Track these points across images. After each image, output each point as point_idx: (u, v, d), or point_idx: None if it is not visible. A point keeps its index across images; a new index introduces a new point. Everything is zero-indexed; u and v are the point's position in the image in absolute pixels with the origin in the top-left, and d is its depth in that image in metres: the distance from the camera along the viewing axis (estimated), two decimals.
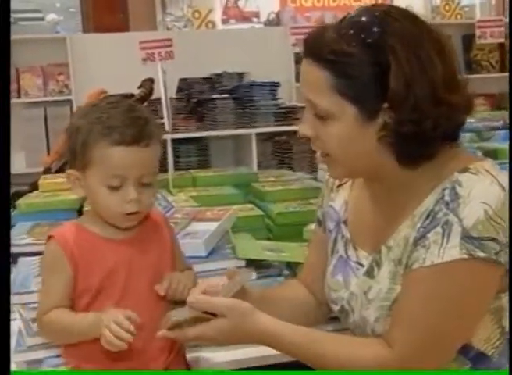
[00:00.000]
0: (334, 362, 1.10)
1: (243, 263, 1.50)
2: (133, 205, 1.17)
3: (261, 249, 1.58)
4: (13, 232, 1.89)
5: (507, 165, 1.32)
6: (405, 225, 1.11)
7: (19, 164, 4.81)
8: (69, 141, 1.20)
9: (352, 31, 1.06)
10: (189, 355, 1.30)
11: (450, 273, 1.04)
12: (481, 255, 1.02)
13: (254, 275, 1.49)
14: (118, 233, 1.21)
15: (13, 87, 4.78)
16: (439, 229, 1.05)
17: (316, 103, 1.09)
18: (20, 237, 1.82)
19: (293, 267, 1.56)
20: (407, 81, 1.04)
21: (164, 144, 3.57)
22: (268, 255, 1.53)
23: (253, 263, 1.52)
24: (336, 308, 1.25)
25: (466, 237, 1.02)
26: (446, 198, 1.06)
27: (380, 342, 1.10)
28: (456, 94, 1.07)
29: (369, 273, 1.16)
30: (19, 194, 2.73)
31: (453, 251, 1.03)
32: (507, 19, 4.24)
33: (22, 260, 1.62)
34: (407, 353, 1.06)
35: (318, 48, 1.07)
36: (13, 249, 1.73)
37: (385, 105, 1.06)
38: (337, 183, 1.30)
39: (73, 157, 1.19)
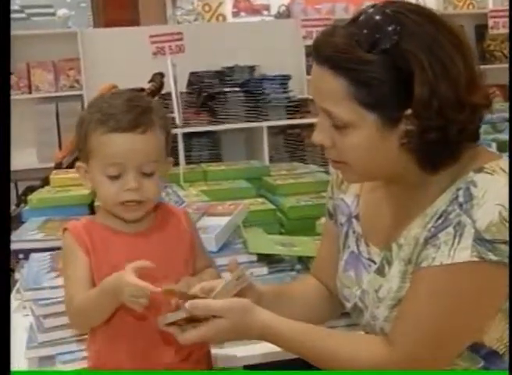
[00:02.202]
0: (333, 359, 1.09)
1: (254, 258, 1.49)
2: (131, 194, 1.15)
3: (273, 243, 1.56)
4: (25, 227, 1.89)
5: None
6: (416, 224, 1.09)
7: (30, 159, 4.83)
8: (76, 134, 1.20)
9: (367, 36, 1.01)
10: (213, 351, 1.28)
11: (459, 274, 1.02)
12: (494, 258, 0.99)
13: (265, 270, 1.47)
14: (130, 227, 1.19)
15: (24, 82, 4.79)
16: (450, 229, 1.02)
17: (333, 113, 1.05)
18: (32, 232, 1.81)
19: (305, 261, 1.55)
20: (431, 87, 1.00)
21: (175, 138, 3.58)
22: (280, 250, 1.52)
23: (265, 258, 1.51)
24: (348, 305, 1.23)
25: (478, 239, 1.00)
26: (460, 198, 1.03)
27: (381, 340, 1.08)
28: (477, 93, 1.04)
29: (380, 271, 1.14)
30: (32, 189, 2.74)
31: (463, 252, 1.01)
32: None
33: (33, 256, 1.62)
34: (407, 353, 1.04)
35: (332, 54, 1.03)
36: (25, 245, 1.74)
37: (408, 111, 1.02)
38: None
39: (79, 149, 1.20)
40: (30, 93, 4.80)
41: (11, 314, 1.62)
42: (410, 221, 1.10)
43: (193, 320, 1.10)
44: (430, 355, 1.04)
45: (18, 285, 1.66)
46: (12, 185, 4.76)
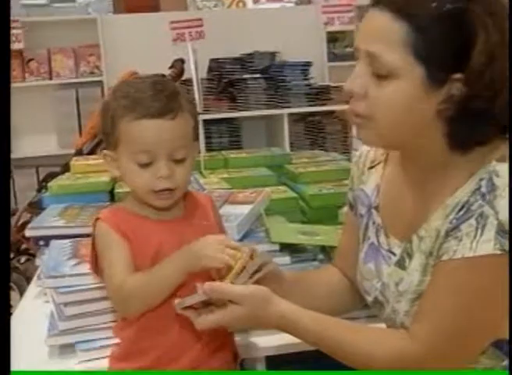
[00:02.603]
0: (352, 353, 1.07)
1: (276, 247, 1.46)
2: (164, 182, 1.12)
3: (295, 233, 1.54)
4: (45, 214, 1.88)
5: None
6: (437, 215, 1.05)
7: (50, 146, 4.84)
8: (101, 121, 1.17)
9: None
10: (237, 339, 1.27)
11: (481, 267, 0.98)
12: None
13: (287, 259, 1.45)
14: (161, 215, 1.17)
15: (45, 68, 4.79)
16: (472, 221, 0.99)
17: (381, 57, 1.00)
18: (52, 219, 1.80)
19: (328, 251, 1.52)
20: (490, 54, 0.96)
21: None
22: (303, 239, 1.50)
23: (287, 247, 1.48)
24: (369, 298, 1.20)
25: (501, 231, 0.96)
26: (483, 189, 1.00)
27: (402, 334, 1.06)
28: None
29: (400, 264, 1.11)
30: (53, 175, 2.74)
31: (486, 245, 0.97)
32: None
33: (54, 243, 1.60)
34: (428, 348, 1.01)
35: None
36: (45, 232, 1.73)
37: (458, 75, 0.98)
38: (368, 164, 1.24)
39: (105, 136, 1.17)
40: (51, 79, 4.80)
41: (32, 300, 1.63)
42: (431, 212, 1.07)
43: (210, 304, 1.08)
44: (452, 350, 1.01)
45: (39, 271, 1.66)
46: (34, 171, 4.79)
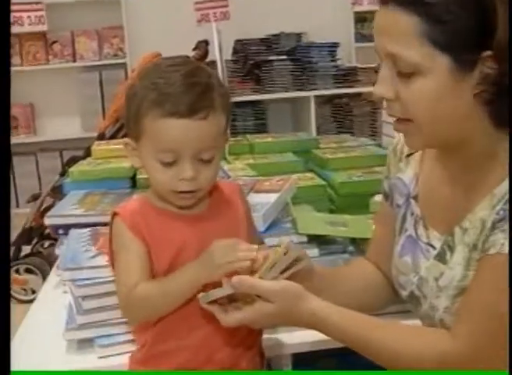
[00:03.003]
0: (394, 358, 1.00)
1: (304, 239, 1.39)
2: (187, 184, 1.04)
3: (324, 223, 1.46)
4: (65, 202, 1.83)
5: None
6: (483, 205, 0.98)
7: (74, 128, 4.82)
8: (125, 107, 1.08)
9: None
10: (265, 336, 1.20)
11: None
12: None
13: (316, 252, 1.38)
14: (186, 210, 1.09)
15: (68, 51, 4.76)
16: None
17: (400, 56, 0.94)
18: (72, 207, 1.75)
19: (358, 243, 1.45)
20: None
21: None
22: (332, 230, 1.42)
23: (315, 239, 1.41)
24: (404, 293, 1.13)
25: None
26: None
27: (443, 334, 0.99)
28: None
29: (441, 257, 1.04)
30: (75, 160, 2.69)
31: None
32: None
33: (72, 232, 1.55)
34: (471, 347, 0.95)
35: None
36: (64, 220, 1.68)
37: (486, 53, 0.91)
38: (406, 151, 1.17)
39: (128, 124, 1.08)
40: (74, 61, 4.77)
41: (51, 290, 1.59)
42: (477, 202, 0.99)
43: (236, 300, 1.02)
44: (496, 350, 0.94)
45: (58, 261, 1.61)
46: (58, 154, 4.78)
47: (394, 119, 1.02)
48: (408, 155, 1.16)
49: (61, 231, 1.68)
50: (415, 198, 1.12)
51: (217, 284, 1.01)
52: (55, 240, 1.88)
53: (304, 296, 1.02)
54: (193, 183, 1.04)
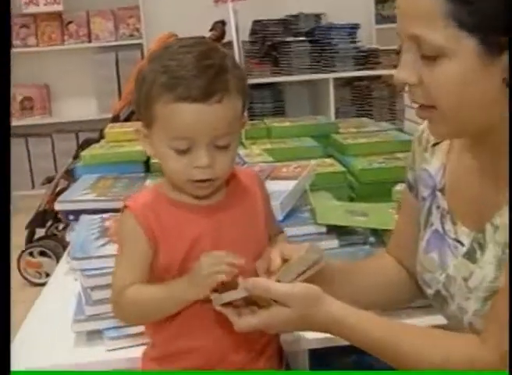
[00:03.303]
0: (422, 368, 0.94)
1: (323, 229, 1.33)
2: (203, 172, 0.98)
3: (344, 212, 1.40)
4: (76, 186, 1.78)
5: None
6: None
7: (90, 110, 4.78)
8: (135, 92, 1.01)
9: None
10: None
11: None
12: None
13: (335, 243, 1.31)
14: (202, 201, 1.03)
15: (84, 31, 4.71)
16: None
17: (424, 38, 0.87)
18: (83, 191, 1.70)
19: (379, 233, 1.38)
20: None
21: None
22: (353, 221, 1.36)
23: (334, 229, 1.34)
24: (429, 291, 1.06)
25: None
26: None
27: (472, 340, 0.93)
28: None
29: (471, 256, 0.97)
30: (89, 142, 2.65)
31: None
32: None
33: (83, 218, 1.50)
34: (500, 354, 0.88)
35: None
36: (75, 205, 1.63)
37: None
38: (432, 140, 1.10)
39: (138, 110, 1.01)
40: (90, 42, 4.71)
41: (62, 277, 1.54)
42: (507, 196, 0.92)
43: (251, 302, 0.96)
44: None
45: (69, 248, 1.57)
46: (73, 136, 4.74)
47: (417, 105, 0.95)
48: (434, 145, 1.09)
49: (71, 217, 1.63)
50: (442, 190, 1.05)
51: (231, 286, 0.96)
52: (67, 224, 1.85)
53: (322, 299, 0.96)
54: (209, 171, 0.98)
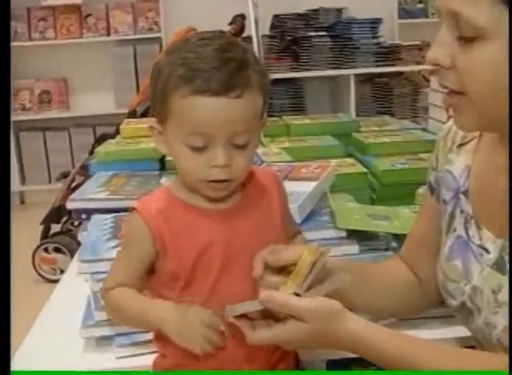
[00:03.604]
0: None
1: (343, 234, 1.27)
2: (220, 172, 0.92)
3: (365, 216, 1.34)
4: (89, 184, 1.73)
5: None
6: None
7: (108, 104, 4.75)
8: (150, 86, 0.96)
9: None
10: None
11: None
12: None
13: (356, 248, 1.25)
14: (214, 204, 0.97)
15: (103, 24, 4.67)
16: None
17: (464, 15, 0.80)
18: (96, 190, 1.65)
19: (402, 239, 1.31)
20: None
21: None
22: (375, 226, 1.29)
23: (355, 233, 1.28)
24: (453, 302, 1.00)
25: None
26: None
27: (500, 358, 0.86)
28: None
29: (499, 266, 0.91)
30: (105, 137, 2.60)
31: None
32: None
33: (95, 218, 1.46)
34: None
35: None
36: (87, 204, 1.58)
37: None
38: (458, 141, 1.03)
39: (153, 106, 0.96)
40: (109, 35, 4.67)
41: (73, 278, 1.50)
42: None
43: (267, 314, 0.90)
44: None
45: (80, 249, 1.52)
46: (91, 130, 4.71)
47: (445, 91, 0.88)
48: (460, 145, 1.03)
49: (84, 216, 1.58)
50: (465, 193, 0.99)
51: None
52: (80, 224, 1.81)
53: (343, 316, 0.90)
54: (226, 170, 0.92)
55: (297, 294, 0.89)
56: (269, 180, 1.04)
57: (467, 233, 0.97)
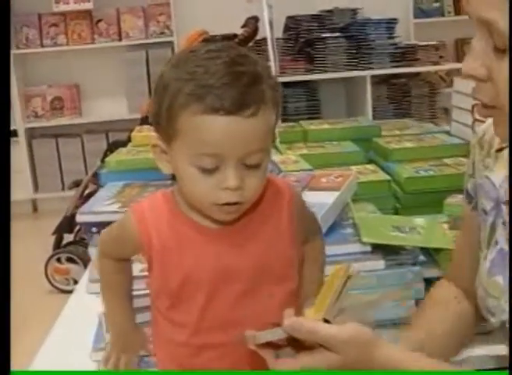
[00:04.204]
0: None
1: (367, 248, 1.19)
2: (231, 195, 0.85)
3: (390, 228, 1.26)
4: (101, 194, 1.67)
5: None
6: None
7: (121, 109, 4.70)
8: (154, 101, 0.88)
9: None
10: None
11: None
12: None
13: (382, 264, 1.17)
14: (217, 222, 0.90)
15: (114, 29, 4.62)
16: None
17: (499, 24, 0.73)
18: (107, 202, 1.58)
19: (430, 252, 1.24)
20: None
21: None
22: (402, 239, 1.21)
23: (379, 247, 1.20)
24: (493, 320, 0.93)
25: None
26: None
27: None
28: None
29: None
30: (117, 145, 2.54)
31: None
32: None
33: None
34: None
35: None
36: (98, 217, 1.51)
37: None
38: (496, 145, 0.95)
39: (157, 122, 0.87)
40: (120, 40, 4.63)
41: (83, 293, 1.44)
42: None
43: (292, 341, 0.82)
44: None
45: (91, 263, 1.46)
46: (103, 136, 4.66)
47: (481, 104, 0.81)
48: (499, 150, 0.95)
49: (94, 229, 1.51)
50: (508, 203, 0.92)
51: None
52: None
53: (376, 344, 0.83)
54: (238, 193, 0.85)
55: (326, 321, 0.81)
56: (282, 194, 0.96)
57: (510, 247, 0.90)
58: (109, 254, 1.00)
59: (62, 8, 4.52)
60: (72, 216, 3.13)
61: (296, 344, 0.82)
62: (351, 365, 0.81)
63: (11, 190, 4.35)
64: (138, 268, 1.09)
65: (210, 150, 0.83)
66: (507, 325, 0.89)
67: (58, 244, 3.26)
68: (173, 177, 1.75)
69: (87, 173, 4.02)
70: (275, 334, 0.81)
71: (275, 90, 0.87)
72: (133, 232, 0.91)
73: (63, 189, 4.57)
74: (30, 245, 3.86)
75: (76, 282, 3.08)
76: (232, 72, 0.82)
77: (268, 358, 0.83)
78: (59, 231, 3.25)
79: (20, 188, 4.54)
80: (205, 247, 0.89)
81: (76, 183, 3.32)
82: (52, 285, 3.18)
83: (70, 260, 3.18)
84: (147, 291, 1.03)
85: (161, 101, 0.85)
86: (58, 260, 3.18)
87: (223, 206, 0.86)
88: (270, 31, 2.54)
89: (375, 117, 3.69)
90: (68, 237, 3.35)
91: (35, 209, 4.77)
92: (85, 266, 2.98)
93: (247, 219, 0.91)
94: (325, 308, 0.81)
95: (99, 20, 4.62)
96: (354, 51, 3.86)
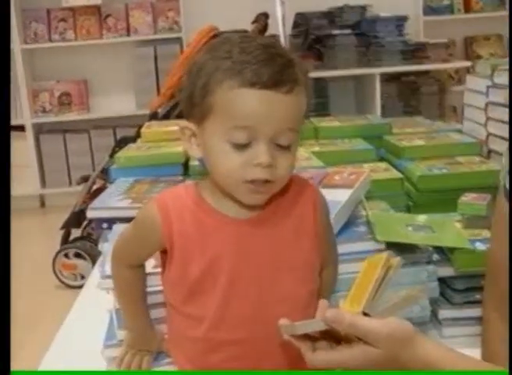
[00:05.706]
0: None
1: (381, 246, 1.17)
2: (262, 171, 0.85)
3: (405, 227, 1.25)
4: (111, 190, 1.66)
5: None
6: None
7: (129, 105, 4.69)
8: (187, 84, 0.90)
9: None
10: None
11: None
12: None
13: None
14: (246, 211, 0.91)
15: (122, 25, 4.61)
16: None
17: None
18: (118, 197, 1.58)
19: (444, 250, 1.22)
20: None
21: None
22: (417, 238, 1.20)
23: (393, 245, 1.19)
24: None
25: None
26: None
27: None
28: None
29: None
30: (126, 141, 2.53)
31: None
32: None
33: (116, 228, 1.38)
34: None
35: None
36: (107, 213, 1.51)
37: None
38: None
39: (190, 104, 0.89)
40: (129, 36, 4.61)
41: (94, 289, 1.43)
42: None
43: (330, 334, 0.81)
44: None
45: (101, 258, 1.45)
46: (111, 132, 4.65)
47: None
48: None
49: (105, 225, 1.51)
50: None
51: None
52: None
53: (416, 339, 0.81)
54: (270, 170, 0.85)
55: (365, 314, 0.80)
56: (306, 190, 0.97)
57: None
58: (125, 259, 1.00)
59: (71, 3, 4.51)
60: (80, 211, 3.12)
61: (329, 337, 0.81)
62: (391, 360, 0.80)
63: (18, 185, 4.36)
64: (151, 264, 1.09)
65: (244, 122, 0.84)
66: None
67: (65, 240, 3.25)
68: (185, 172, 1.76)
69: (94, 168, 4.01)
70: (315, 325, 0.79)
71: (307, 75, 0.90)
72: (156, 220, 0.91)
73: (70, 184, 4.56)
74: (38, 241, 3.86)
75: (83, 277, 3.07)
76: (268, 52, 0.85)
77: (305, 350, 0.82)
78: (67, 226, 3.24)
79: (28, 183, 4.53)
80: (228, 237, 0.90)
81: (85, 179, 3.31)
82: (60, 280, 3.17)
83: (78, 255, 3.17)
84: (161, 288, 1.03)
85: (196, 81, 0.87)
86: (66, 255, 3.18)
87: (252, 185, 0.86)
88: (283, 27, 2.53)
89: (383, 115, 3.68)
90: (76, 233, 3.34)
91: (42, 204, 4.76)
92: (93, 261, 2.97)
93: (271, 212, 0.92)
94: (364, 300, 0.79)
95: (108, 16, 4.61)
96: (364, 48, 3.86)
